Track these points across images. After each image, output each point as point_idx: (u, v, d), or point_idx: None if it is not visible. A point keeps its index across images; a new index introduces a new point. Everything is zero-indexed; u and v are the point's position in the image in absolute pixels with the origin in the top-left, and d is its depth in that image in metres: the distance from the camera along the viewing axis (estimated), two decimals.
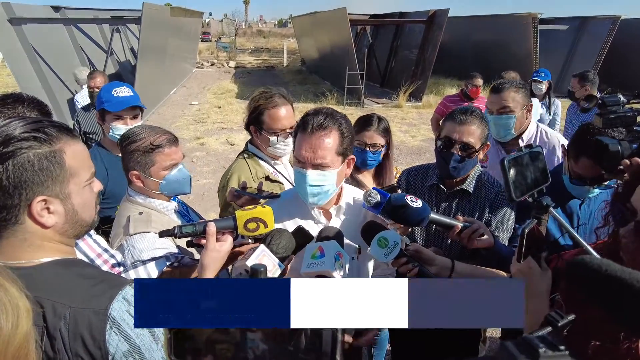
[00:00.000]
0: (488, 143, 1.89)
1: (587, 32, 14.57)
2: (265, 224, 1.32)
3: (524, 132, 2.48)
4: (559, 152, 2.45)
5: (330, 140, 1.43)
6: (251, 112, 2.10)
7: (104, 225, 2.25)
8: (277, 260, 1.26)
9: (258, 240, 1.41)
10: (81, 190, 1.00)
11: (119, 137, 2.33)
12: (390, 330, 2.16)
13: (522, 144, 2.45)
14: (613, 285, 0.57)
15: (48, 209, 0.95)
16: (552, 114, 5.04)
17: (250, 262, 1.22)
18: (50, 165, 0.93)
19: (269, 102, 2.06)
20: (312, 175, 1.44)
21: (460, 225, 1.51)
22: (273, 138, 2.08)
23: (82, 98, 5.26)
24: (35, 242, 0.95)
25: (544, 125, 2.73)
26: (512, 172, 1.03)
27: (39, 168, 0.91)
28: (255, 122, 2.09)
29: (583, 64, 12.15)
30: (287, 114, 2.08)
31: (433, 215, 1.48)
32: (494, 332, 3.34)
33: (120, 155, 2.34)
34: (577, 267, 0.59)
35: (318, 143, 1.42)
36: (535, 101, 4.26)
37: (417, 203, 1.43)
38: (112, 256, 1.48)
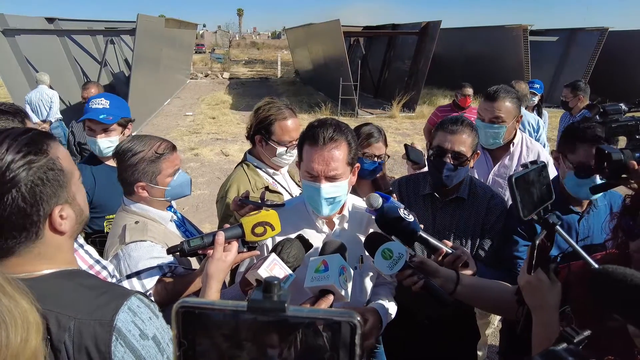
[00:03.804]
0: (478, 151, 1.91)
1: (576, 44, 14.85)
2: (272, 226, 1.31)
3: (512, 139, 2.48)
4: (543, 158, 2.46)
5: (341, 152, 1.43)
6: (259, 121, 2.09)
7: (93, 235, 2.22)
8: (289, 269, 1.24)
9: (252, 248, 1.39)
10: (78, 187, 1.01)
11: (92, 148, 2.36)
12: (385, 343, 2.14)
13: (512, 149, 2.47)
14: (638, 294, 0.55)
15: (61, 216, 0.94)
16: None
17: (261, 271, 1.20)
18: (54, 174, 0.93)
19: (280, 113, 2.06)
20: (326, 188, 1.43)
21: (445, 249, 1.50)
22: (281, 149, 2.08)
23: (34, 94, 6.87)
24: (49, 254, 0.94)
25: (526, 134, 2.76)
26: (519, 190, 0.99)
27: (47, 180, 0.91)
28: (264, 131, 2.08)
29: (573, 74, 12.34)
30: (296, 126, 2.10)
31: (422, 234, 1.47)
32: (494, 341, 3.31)
33: (109, 164, 2.34)
34: (601, 277, 0.57)
35: (330, 155, 1.42)
36: (529, 114, 4.32)
37: (410, 217, 1.42)
38: (104, 267, 1.44)
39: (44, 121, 6.69)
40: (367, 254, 1.56)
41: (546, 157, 2.54)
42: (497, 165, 2.49)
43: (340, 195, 1.47)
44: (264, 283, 0.44)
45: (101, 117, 2.31)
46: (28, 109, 6.59)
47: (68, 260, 0.99)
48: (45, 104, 6.82)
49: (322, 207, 1.46)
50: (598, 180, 1.70)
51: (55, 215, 0.93)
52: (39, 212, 0.90)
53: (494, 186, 2.43)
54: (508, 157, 2.48)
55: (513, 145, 2.47)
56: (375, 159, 2.23)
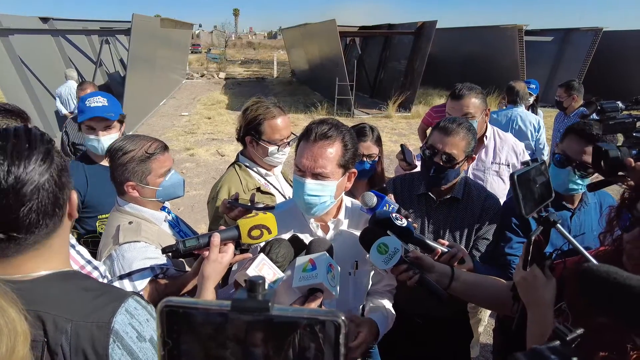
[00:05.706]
0: (474, 155, 1.89)
1: (571, 44, 14.94)
2: (269, 230, 1.31)
3: (484, 134, 2.53)
4: (518, 147, 2.55)
5: (332, 151, 1.40)
6: (248, 122, 2.06)
7: (86, 235, 2.23)
8: (278, 269, 1.23)
9: (243, 251, 1.38)
10: None
11: (92, 147, 2.36)
12: (380, 343, 2.14)
13: (486, 142, 2.51)
14: (621, 292, 0.55)
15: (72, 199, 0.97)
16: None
17: (250, 272, 1.19)
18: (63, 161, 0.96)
19: (269, 112, 2.03)
20: (310, 184, 1.40)
21: (440, 249, 1.50)
22: (273, 148, 2.05)
23: (63, 88, 7.53)
24: (54, 248, 0.94)
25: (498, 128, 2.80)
26: (521, 187, 0.99)
27: (65, 167, 0.94)
28: (253, 132, 2.06)
29: (568, 74, 12.42)
30: (286, 123, 2.08)
31: (416, 236, 1.48)
32: (488, 340, 3.32)
33: (103, 164, 2.33)
34: (585, 275, 0.57)
35: (320, 152, 1.39)
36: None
37: (402, 222, 1.42)
38: (96, 268, 1.43)
39: (72, 112, 7.18)
40: (362, 259, 1.55)
41: (521, 146, 2.59)
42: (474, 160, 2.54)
43: (325, 196, 1.42)
44: (248, 282, 0.43)
45: (108, 114, 2.32)
46: (58, 101, 7.62)
47: (63, 260, 0.98)
48: (73, 98, 7.34)
49: (303, 203, 1.43)
50: (572, 173, 1.73)
51: (73, 198, 0.95)
52: (64, 196, 0.92)
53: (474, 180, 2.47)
54: (484, 150, 2.53)
55: (486, 138, 2.53)
56: (365, 158, 2.20)
